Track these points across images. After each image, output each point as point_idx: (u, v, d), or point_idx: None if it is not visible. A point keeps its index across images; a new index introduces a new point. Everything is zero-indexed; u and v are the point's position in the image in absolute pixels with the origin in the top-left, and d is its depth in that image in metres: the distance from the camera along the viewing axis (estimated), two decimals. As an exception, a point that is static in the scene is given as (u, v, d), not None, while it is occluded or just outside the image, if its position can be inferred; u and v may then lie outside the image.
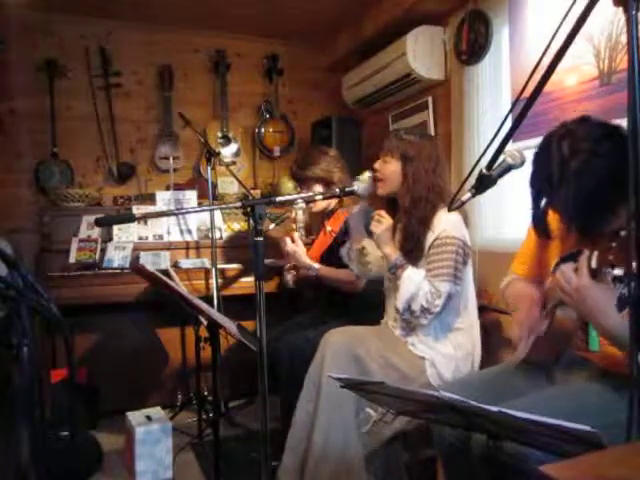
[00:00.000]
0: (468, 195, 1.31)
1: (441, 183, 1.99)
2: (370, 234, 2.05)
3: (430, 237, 1.93)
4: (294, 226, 2.47)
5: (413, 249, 1.95)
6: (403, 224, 2.02)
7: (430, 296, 1.85)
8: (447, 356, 1.94)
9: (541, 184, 1.34)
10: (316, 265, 2.42)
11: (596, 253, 1.14)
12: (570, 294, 1.18)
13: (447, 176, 2.09)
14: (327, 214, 2.60)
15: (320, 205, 2.54)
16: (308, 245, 2.66)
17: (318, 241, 2.64)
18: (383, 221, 1.97)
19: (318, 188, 2.49)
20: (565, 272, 1.19)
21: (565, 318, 1.39)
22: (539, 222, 1.43)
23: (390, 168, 2.01)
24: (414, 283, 1.87)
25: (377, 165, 2.05)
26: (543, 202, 1.37)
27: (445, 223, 1.91)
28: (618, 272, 1.09)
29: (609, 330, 1.17)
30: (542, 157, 1.33)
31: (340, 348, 1.89)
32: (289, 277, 2.57)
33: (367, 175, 2.03)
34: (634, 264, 0.84)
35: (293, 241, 2.44)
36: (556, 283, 1.22)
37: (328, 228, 2.55)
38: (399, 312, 1.94)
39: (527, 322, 1.46)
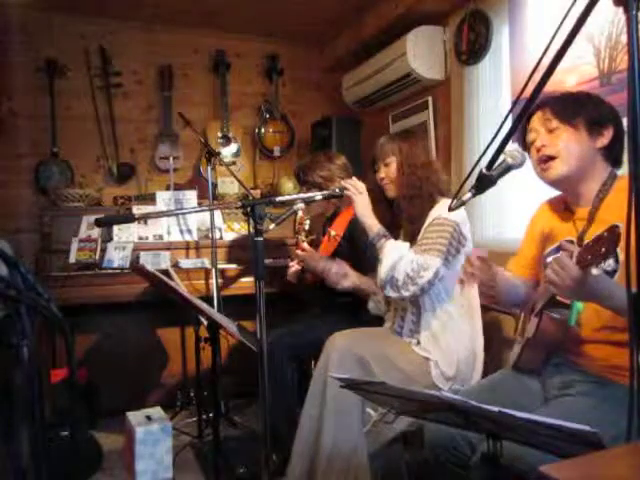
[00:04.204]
0: (468, 195, 1.31)
1: (433, 174, 1.99)
2: (368, 241, 2.02)
3: (426, 223, 1.93)
4: (301, 237, 2.45)
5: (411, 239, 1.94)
6: (402, 216, 2.01)
7: (416, 265, 1.82)
8: (449, 356, 1.93)
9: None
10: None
11: (576, 253, 1.13)
12: (567, 285, 1.14)
13: (440, 168, 2.07)
14: (329, 218, 2.56)
15: (315, 209, 2.51)
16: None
17: (322, 247, 2.57)
18: (358, 186, 1.97)
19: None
20: (561, 259, 1.15)
21: (553, 320, 1.37)
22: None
23: (393, 169, 2.01)
24: (398, 250, 1.86)
25: (382, 173, 2.04)
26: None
27: (443, 211, 1.88)
28: (595, 272, 1.09)
29: (618, 308, 1.18)
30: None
31: (344, 351, 1.87)
32: (292, 271, 2.55)
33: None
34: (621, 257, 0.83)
35: (303, 250, 2.42)
36: (551, 273, 1.17)
37: (332, 233, 2.48)
38: (382, 286, 1.90)
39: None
